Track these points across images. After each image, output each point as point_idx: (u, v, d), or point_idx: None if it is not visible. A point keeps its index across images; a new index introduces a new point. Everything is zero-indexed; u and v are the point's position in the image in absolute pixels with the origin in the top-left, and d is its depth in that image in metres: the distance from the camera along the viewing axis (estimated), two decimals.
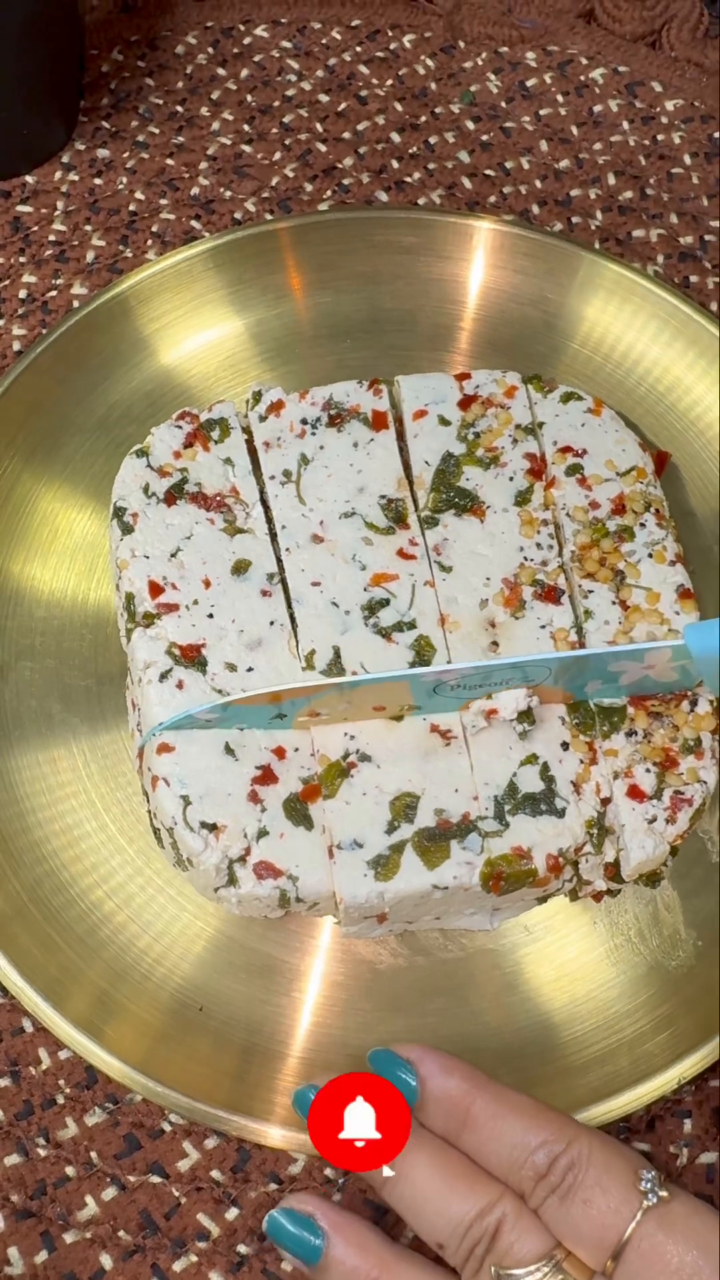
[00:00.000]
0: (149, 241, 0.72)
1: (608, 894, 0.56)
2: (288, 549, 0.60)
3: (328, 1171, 0.52)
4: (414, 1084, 0.45)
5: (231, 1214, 0.52)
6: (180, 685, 0.57)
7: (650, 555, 0.59)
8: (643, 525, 0.60)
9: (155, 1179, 0.52)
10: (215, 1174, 0.52)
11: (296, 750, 0.56)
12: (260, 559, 0.60)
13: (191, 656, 0.57)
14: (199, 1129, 0.53)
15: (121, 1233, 0.51)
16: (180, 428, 0.62)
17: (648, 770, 0.55)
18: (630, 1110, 0.52)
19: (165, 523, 0.60)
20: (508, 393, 0.63)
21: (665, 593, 0.58)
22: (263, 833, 0.54)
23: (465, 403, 0.63)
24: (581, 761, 0.55)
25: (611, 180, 0.74)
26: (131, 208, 0.73)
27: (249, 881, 0.54)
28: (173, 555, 0.59)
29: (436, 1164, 0.44)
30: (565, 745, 0.56)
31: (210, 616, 0.58)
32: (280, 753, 0.56)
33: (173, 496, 0.61)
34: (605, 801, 0.55)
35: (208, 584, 0.59)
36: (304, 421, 0.62)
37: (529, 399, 0.63)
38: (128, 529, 0.60)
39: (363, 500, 0.61)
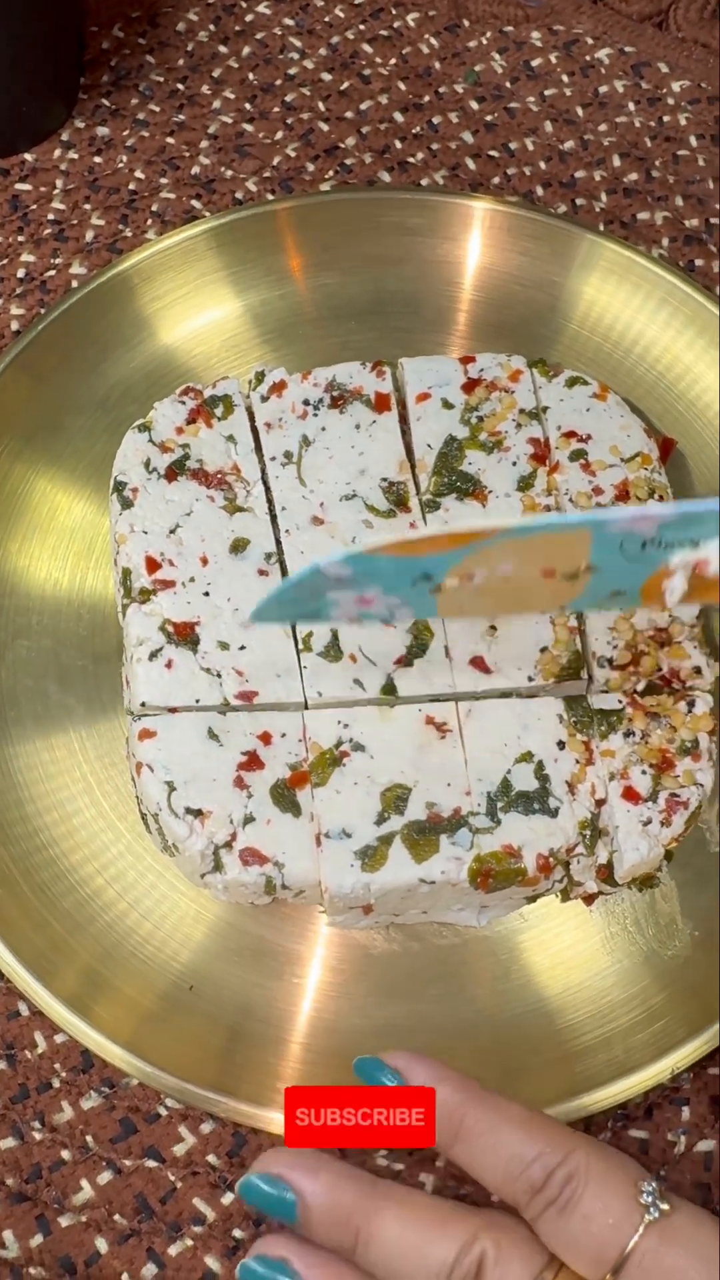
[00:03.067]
0: (149, 221, 0.65)
1: (600, 896, 0.50)
2: (287, 530, 0.54)
3: None
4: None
5: (227, 1199, 0.47)
6: (169, 665, 0.51)
7: None
8: None
9: (151, 1163, 0.48)
10: (211, 1158, 0.48)
11: (284, 736, 0.50)
12: (259, 538, 0.54)
13: (185, 634, 0.51)
14: (195, 1113, 0.48)
15: (117, 1216, 0.47)
16: (184, 403, 0.56)
17: (644, 772, 0.49)
18: (626, 1098, 0.47)
19: (165, 499, 0.54)
20: (512, 376, 0.56)
21: None
22: (249, 819, 0.49)
23: (469, 386, 0.56)
24: (578, 762, 0.50)
25: (617, 162, 0.68)
26: (131, 186, 0.66)
27: (235, 868, 0.48)
28: (171, 531, 0.54)
29: (404, 1215, 0.39)
30: (561, 744, 0.50)
31: (206, 594, 0.53)
32: (266, 738, 0.50)
33: (174, 472, 0.55)
34: (600, 803, 0.49)
35: (205, 561, 0.53)
36: (306, 403, 0.56)
37: (534, 383, 0.56)
38: (127, 504, 0.54)
39: (364, 483, 0.54)
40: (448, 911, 0.50)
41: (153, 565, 0.53)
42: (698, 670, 0.51)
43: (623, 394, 0.57)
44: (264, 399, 0.57)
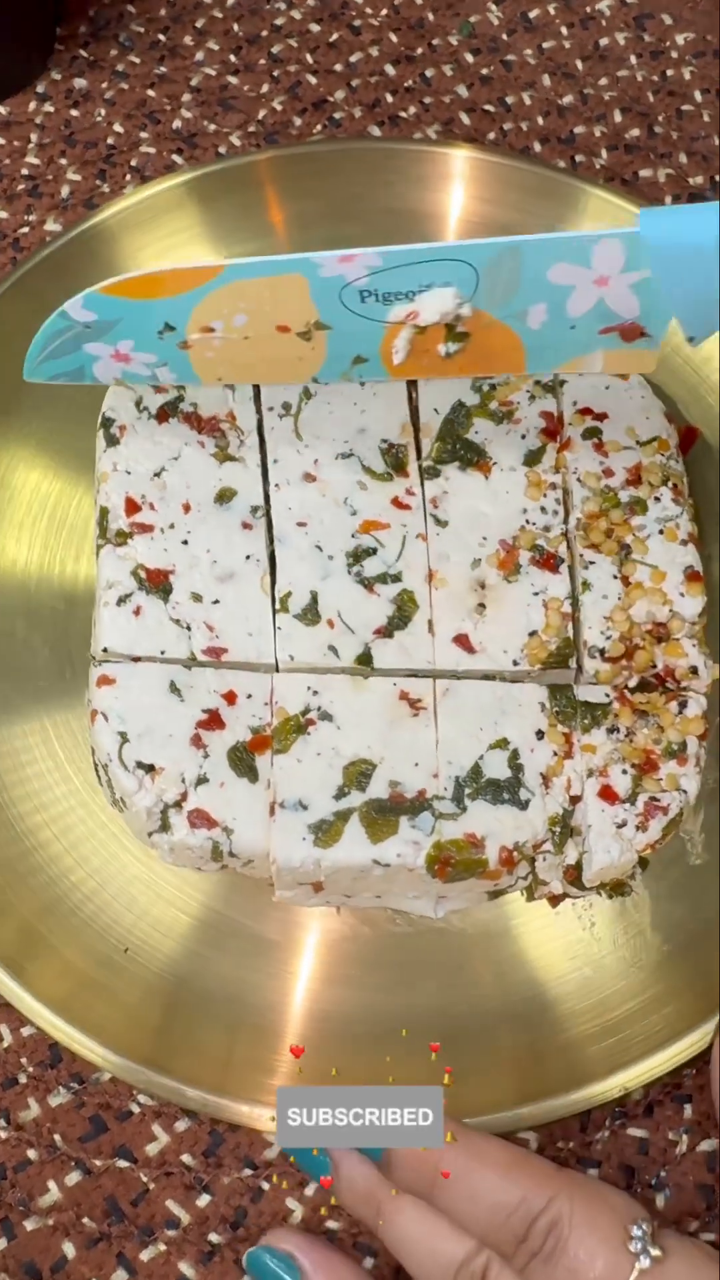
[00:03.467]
0: (127, 176, 0.62)
1: (565, 898, 0.47)
2: (277, 485, 0.51)
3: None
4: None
5: (203, 1200, 0.44)
6: (137, 611, 0.48)
7: (661, 531, 0.49)
8: (657, 499, 0.50)
9: (122, 1163, 0.45)
10: (186, 1158, 0.45)
11: (249, 697, 0.47)
12: (247, 490, 0.51)
13: (157, 581, 0.48)
14: (169, 1110, 0.46)
15: (86, 1220, 0.44)
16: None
17: (624, 772, 0.46)
18: (607, 1097, 0.44)
19: (153, 440, 0.52)
20: None
21: (672, 573, 0.48)
22: (202, 780, 0.46)
23: None
24: (555, 754, 0.46)
25: (618, 117, 0.64)
26: (110, 140, 0.63)
27: (182, 829, 0.46)
28: (156, 474, 0.51)
29: (422, 1208, 0.38)
30: (540, 734, 0.47)
31: (185, 543, 0.50)
32: (230, 698, 0.47)
33: (165, 414, 0.52)
34: (574, 800, 0.46)
35: (187, 509, 0.50)
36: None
37: None
38: (113, 441, 0.51)
39: (362, 442, 0.51)
40: (403, 899, 0.47)
41: (132, 507, 0.50)
42: (694, 670, 0.47)
43: (648, 377, 0.54)
44: None
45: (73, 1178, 0.45)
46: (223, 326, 0.43)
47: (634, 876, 0.47)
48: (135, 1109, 0.45)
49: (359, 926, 0.47)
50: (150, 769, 0.46)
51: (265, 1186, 0.45)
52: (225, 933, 0.47)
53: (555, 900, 0.47)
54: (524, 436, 0.51)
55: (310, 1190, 0.45)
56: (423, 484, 0.50)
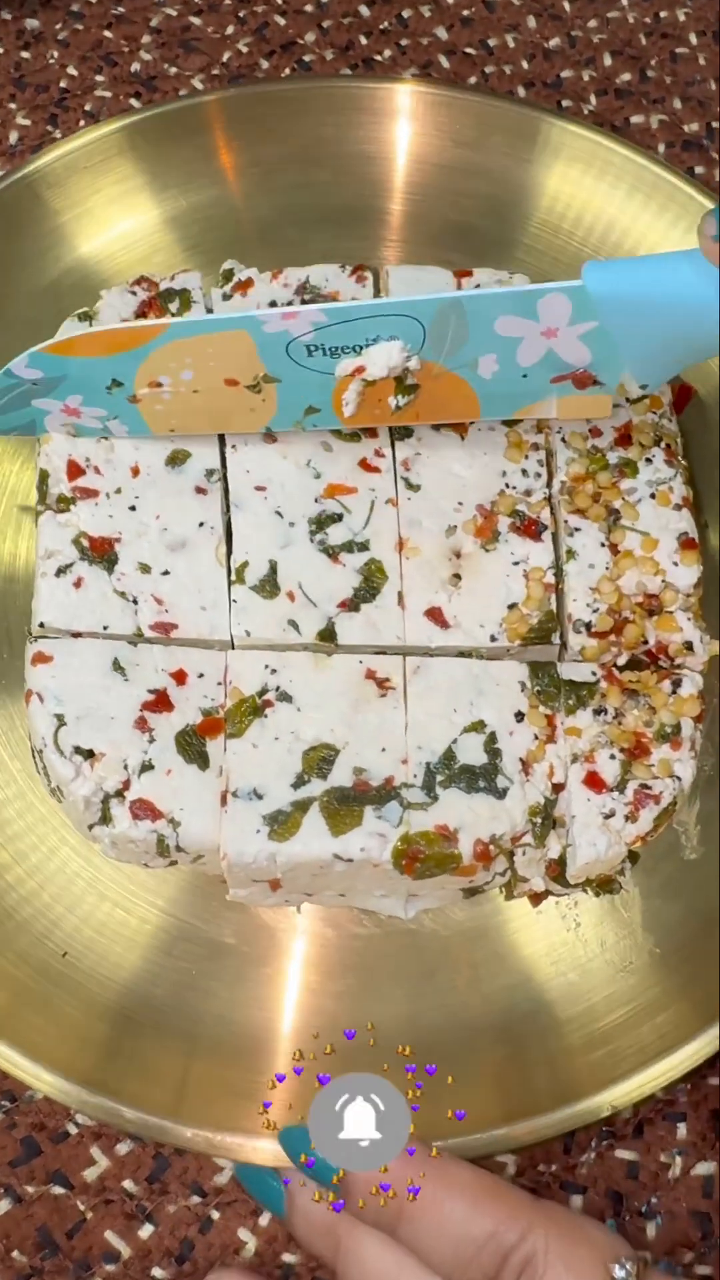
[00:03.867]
0: (81, 122, 0.58)
1: (548, 895, 0.42)
2: (234, 445, 0.47)
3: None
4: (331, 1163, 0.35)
5: (145, 1231, 0.41)
6: (78, 583, 0.44)
7: (653, 496, 0.45)
8: (649, 461, 0.45)
9: (57, 1190, 0.41)
10: (128, 1184, 0.41)
11: (201, 676, 0.43)
12: (202, 453, 0.47)
13: (102, 551, 0.44)
14: (109, 1132, 0.42)
15: (15, 1253, 0.41)
16: (134, 294, 0.49)
17: (612, 757, 0.42)
18: (594, 1116, 0.40)
19: None
20: None
21: (665, 540, 0.44)
22: (146, 766, 0.42)
23: None
24: (536, 737, 0.42)
25: (608, 61, 0.61)
26: (63, 84, 0.59)
27: (124, 821, 0.42)
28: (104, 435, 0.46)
29: (384, 1242, 0.35)
30: (520, 716, 0.43)
31: (132, 509, 0.46)
32: (180, 677, 0.43)
33: None
34: (557, 788, 0.42)
35: (136, 472, 0.46)
36: (273, 305, 0.48)
37: None
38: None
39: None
40: (369, 898, 0.42)
41: (75, 470, 0.46)
42: (689, 646, 0.43)
43: None
44: (226, 297, 0.49)
45: (1, 1205, 0.41)
46: (170, 381, 0.43)
47: (623, 872, 0.43)
48: (72, 1130, 0.42)
49: (322, 928, 0.43)
50: (89, 754, 0.41)
51: (215, 1215, 0.40)
52: (176, 937, 0.43)
53: (537, 899, 0.43)
54: None
55: (265, 1220, 0.40)
56: (393, 445, 0.46)
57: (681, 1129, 0.42)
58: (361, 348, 0.41)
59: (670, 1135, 0.42)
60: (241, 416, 0.44)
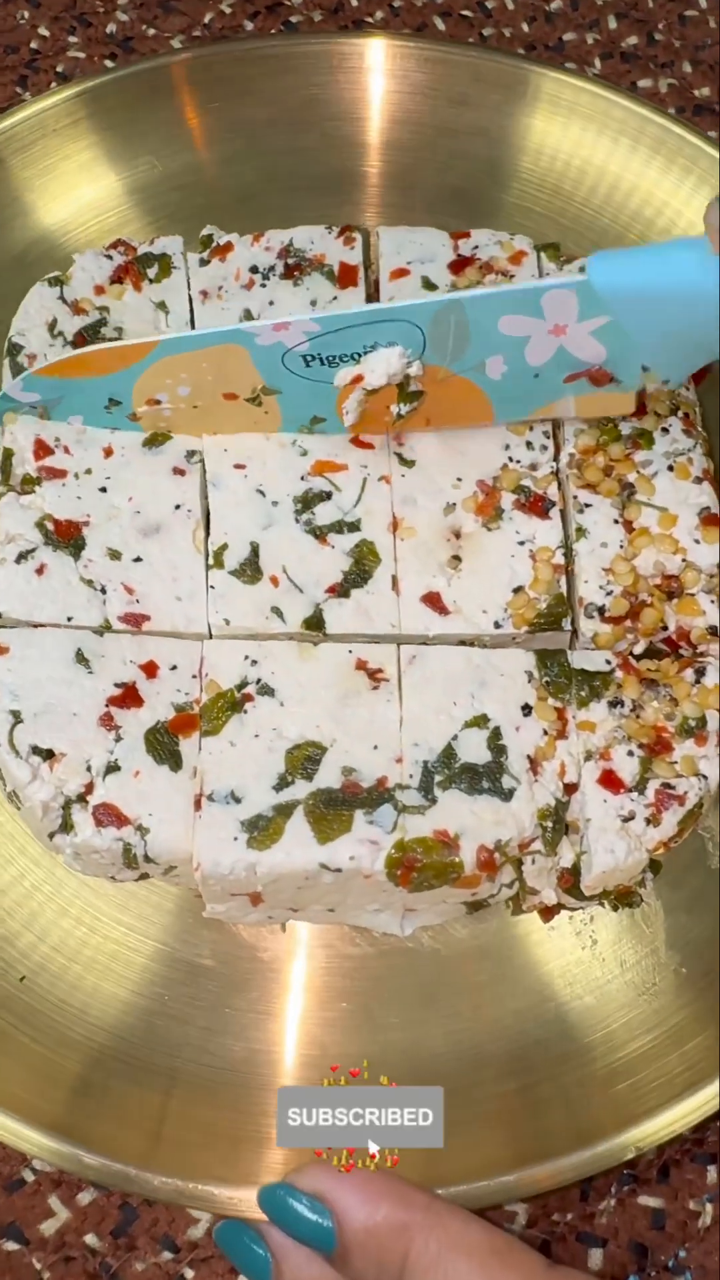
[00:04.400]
0: (53, 84, 0.55)
1: (560, 910, 0.38)
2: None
3: None
4: (328, 1226, 0.31)
5: None
6: (41, 570, 0.40)
7: (671, 468, 0.41)
8: (665, 431, 0.42)
9: (10, 1245, 0.37)
10: (90, 1239, 0.37)
11: (174, 669, 0.39)
12: (186, 436, 0.43)
13: (68, 535, 0.40)
14: (69, 1179, 0.37)
15: None
16: (109, 258, 0.45)
17: (631, 754, 0.38)
18: (614, 1160, 0.35)
19: None
20: (513, 258, 0.45)
21: (684, 515, 0.41)
22: (112, 768, 0.38)
23: (458, 265, 0.45)
24: (546, 733, 0.39)
25: (612, 24, 0.58)
26: (34, 45, 0.56)
27: (87, 828, 0.38)
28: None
29: None
30: (527, 709, 0.38)
31: (103, 490, 0.42)
32: (150, 669, 0.39)
33: (83, 339, 0.45)
34: (570, 788, 0.38)
35: (109, 453, 0.42)
36: (254, 270, 0.45)
37: (539, 268, 0.44)
38: (21, 371, 0.43)
39: None
40: (362, 913, 0.38)
41: (42, 449, 0.42)
42: (713, 631, 0.39)
43: None
44: (204, 262, 0.46)
45: None
46: (168, 398, 0.42)
47: (644, 883, 0.39)
48: (29, 1177, 0.37)
49: (310, 948, 0.39)
50: (49, 755, 0.38)
51: (189, 1274, 0.36)
52: (148, 959, 0.39)
53: (548, 913, 0.39)
54: None
55: None
56: None
57: (712, 1172, 0.38)
58: (359, 355, 0.40)
59: (700, 1179, 0.38)
60: (247, 428, 0.43)
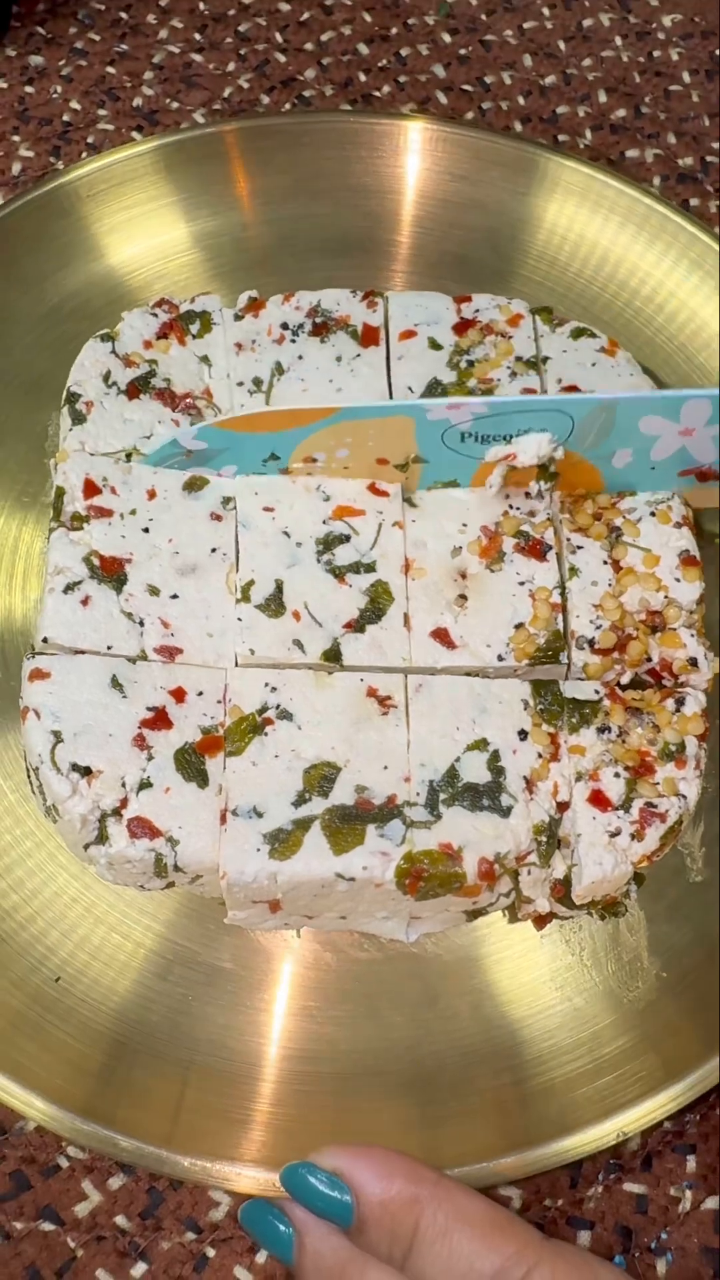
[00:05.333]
0: (84, 154, 0.58)
1: (553, 918, 0.41)
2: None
3: None
4: (347, 1201, 0.33)
5: (138, 1270, 0.38)
6: (85, 602, 0.43)
7: (653, 514, 0.45)
8: None
9: (47, 1226, 0.39)
10: (120, 1220, 0.39)
11: (200, 694, 0.42)
12: (220, 481, 0.46)
13: (112, 570, 0.44)
14: (101, 1165, 0.39)
15: None
16: (155, 315, 0.49)
17: (617, 775, 0.40)
18: (600, 1145, 0.38)
19: (123, 417, 0.48)
20: (511, 321, 0.48)
21: (666, 556, 0.44)
22: (145, 784, 0.40)
23: (461, 327, 0.49)
24: (540, 755, 0.41)
25: (603, 98, 0.61)
26: (66, 118, 0.60)
27: (121, 840, 0.40)
28: (126, 457, 0.46)
29: (393, 1277, 0.33)
30: (523, 734, 0.41)
31: (146, 531, 0.45)
32: (179, 695, 0.41)
33: (136, 389, 0.48)
34: (562, 806, 0.40)
35: (153, 495, 0.46)
36: (284, 326, 0.48)
37: (535, 330, 0.48)
38: (79, 418, 0.47)
39: None
40: (371, 920, 0.41)
41: (91, 489, 0.45)
42: (693, 663, 0.42)
43: (639, 359, 0.49)
44: (238, 317, 0.49)
45: None
46: (325, 458, 0.45)
47: (628, 894, 0.41)
48: (63, 1163, 0.39)
49: (321, 952, 0.42)
50: (86, 772, 0.40)
51: (210, 1253, 0.38)
52: (171, 961, 0.41)
53: (542, 922, 0.41)
54: None
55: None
56: None
57: (691, 1161, 0.39)
58: (511, 436, 0.43)
59: (679, 1168, 0.39)
60: (382, 478, 0.46)
